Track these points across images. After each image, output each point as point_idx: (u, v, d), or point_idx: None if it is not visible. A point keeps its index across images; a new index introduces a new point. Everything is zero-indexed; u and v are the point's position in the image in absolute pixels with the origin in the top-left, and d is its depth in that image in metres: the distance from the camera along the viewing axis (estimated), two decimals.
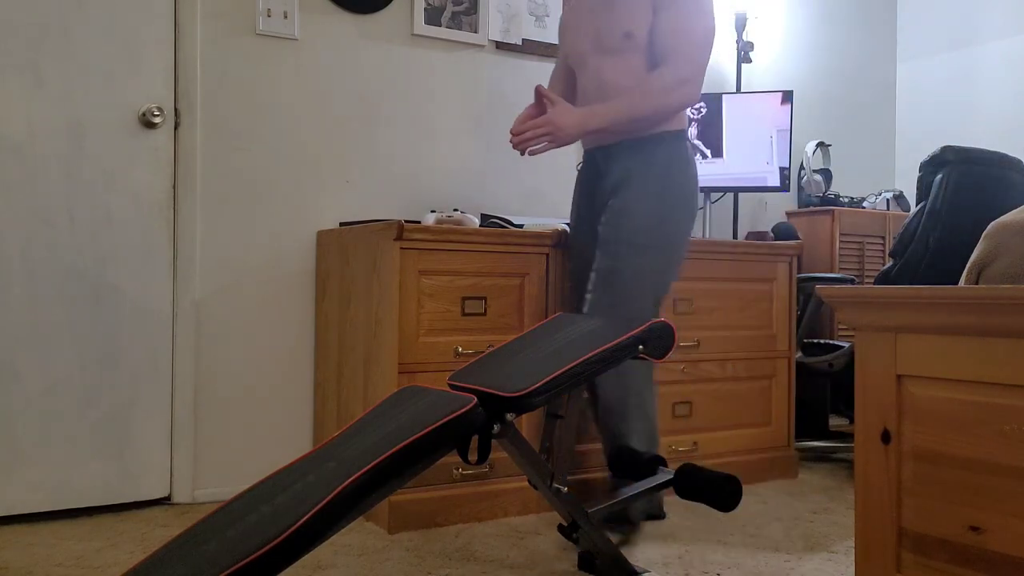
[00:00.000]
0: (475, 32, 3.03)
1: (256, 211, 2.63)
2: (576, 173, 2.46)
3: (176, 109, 2.52)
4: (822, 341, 3.36)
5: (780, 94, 3.17)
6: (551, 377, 1.68)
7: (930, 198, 2.59)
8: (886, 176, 4.20)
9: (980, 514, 1.25)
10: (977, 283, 1.49)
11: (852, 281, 3.24)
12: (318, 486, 1.30)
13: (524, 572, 1.96)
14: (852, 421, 3.08)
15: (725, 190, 3.24)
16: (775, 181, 3.17)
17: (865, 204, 3.81)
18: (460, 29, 3.00)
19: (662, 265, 2.20)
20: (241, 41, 2.62)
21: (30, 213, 2.35)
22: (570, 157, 3.29)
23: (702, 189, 3.22)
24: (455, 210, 2.60)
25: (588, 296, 2.18)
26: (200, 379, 2.56)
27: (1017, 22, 3.80)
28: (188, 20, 2.53)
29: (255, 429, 2.64)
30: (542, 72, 3.20)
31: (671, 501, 2.56)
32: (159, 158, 2.50)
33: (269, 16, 2.65)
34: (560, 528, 1.83)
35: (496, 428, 1.68)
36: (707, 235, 3.27)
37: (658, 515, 2.36)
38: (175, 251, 2.53)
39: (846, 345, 3.12)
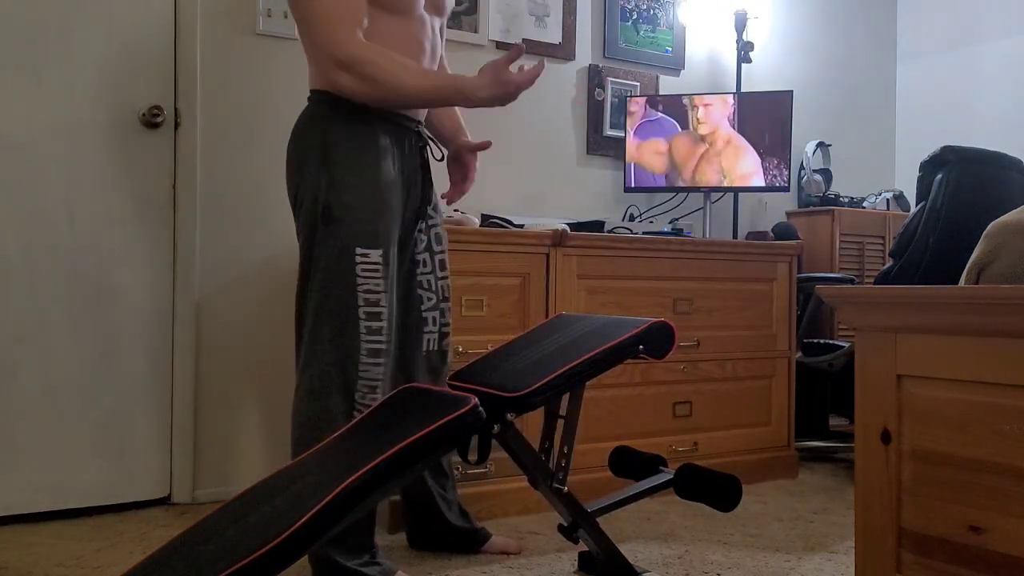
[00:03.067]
0: (475, 32, 3.03)
1: (256, 211, 2.63)
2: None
3: (176, 109, 2.52)
4: (822, 341, 3.36)
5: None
6: (551, 377, 1.68)
7: (930, 198, 2.59)
8: (886, 176, 4.20)
9: (980, 514, 1.25)
10: (977, 283, 1.49)
11: (852, 281, 3.24)
12: (318, 487, 1.30)
13: (524, 572, 1.96)
14: (852, 421, 3.08)
15: (725, 190, 3.24)
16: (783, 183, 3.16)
17: (865, 204, 3.81)
18: (460, 29, 3.00)
19: None
20: (241, 41, 2.62)
21: (30, 213, 2.35)
22: (571, 158, 3.29)
23: (702, 189, 3.22)
24: (455, 210, 2.61)
25: (447, 305, 2.03)
26: (200, 379, 2.56)
27: (1017, 22, 3.80)
28: (188, 20, 2.53)
29: (255, 429, 2.64)
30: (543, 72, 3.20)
31: (671, 501, 2.56)
32: (159, 158, 2.50)
33: (269, 16, 2.65)
34: (560, 528, 1.83)
35: (496, 428, 1.68)
36: (707, 235, 3.27)
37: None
38: (175, 251, 2.53)
39: (846, 345, 3.12)
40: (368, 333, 1.77)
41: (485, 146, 2.01)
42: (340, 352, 1.76)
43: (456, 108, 2.06)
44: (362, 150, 1.80)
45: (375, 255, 1.78)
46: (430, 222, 2.02)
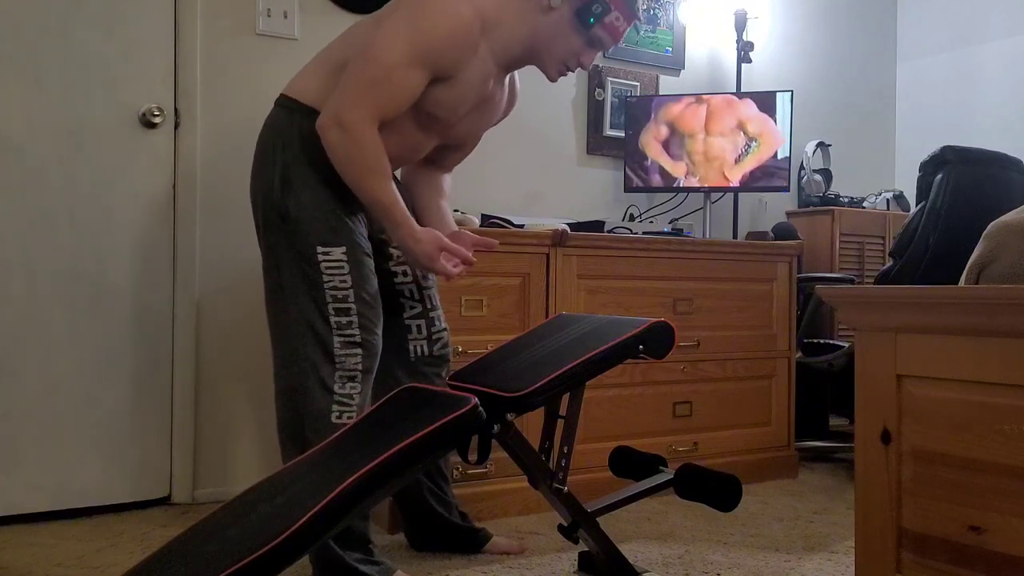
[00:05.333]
0: None
1: None
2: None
3: (176, 109, 2.52)
4: (822, 341, 3.36)
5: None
6: (551, 377, 1.68)
7: (930, 198, 2.59)
8: (886, 176, 4.20)
9: (980, 514, 1.25)
10: (977, 283, 1.49)
11: (852, 281, 3.24)
12: (318, 487, 1.30)
13: (524, 572, 1.96)
14: (852, 421, 3.08)
15: (725, 190, 3.24)
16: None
17: (865, 204, 3.81)
18: None
19: None
20: (241, 41, 2.62)
21: (30, 213, 2.35)
22: (571, 158, 3.29)
23: (702, 189, 3.22)
24: (455, 210, 2.60)
25: (436, 314, 2.05)
26: (200, 379, 2.56)
27: (1017, 22, 3.80)
28: (188, 20, 2.53)
29: (255, 429, 2.64)
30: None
31: (671, 501, 2.56)
32: (159, 158, 2.50)
33: (269, 16, 2.65)
34: (560, 528, 1.83)
35: (496, 428, 1.68)
36: (707, 235, 3.27)
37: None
38: (175, 251, 2.53)
39: (846, 345, 3.12)
40: (339, 328, 1.79)
41: (487, 244, 1.95)
42: (314, 348, 1.78)
43: (447, 215, 2.08)
44: (317, 153, 1.79)
45: (337, 252, 1.80)
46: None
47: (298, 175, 1.80)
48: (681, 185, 3.21)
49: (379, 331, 1.86)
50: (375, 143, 1.75)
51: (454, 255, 1.83)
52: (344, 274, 1.80)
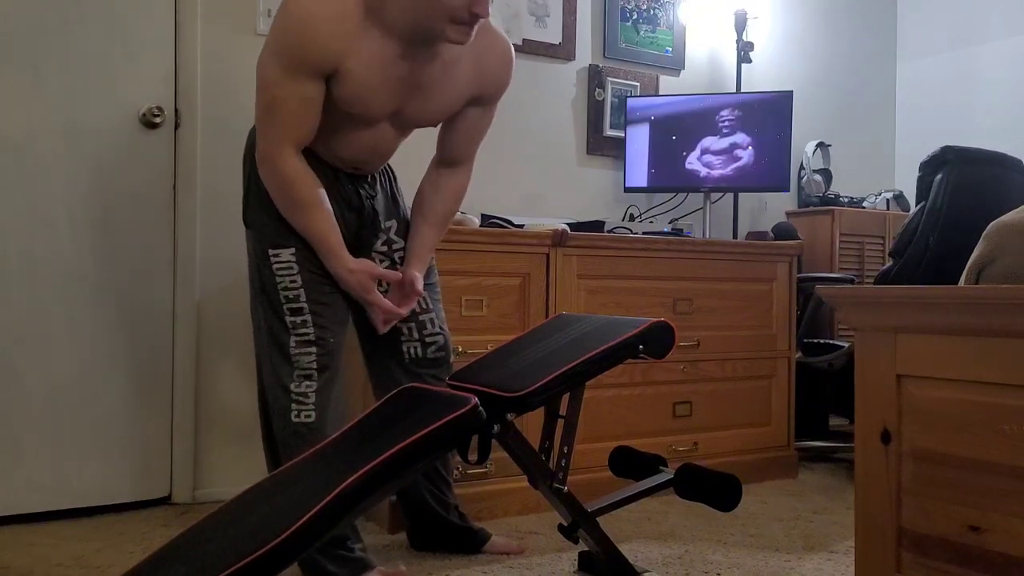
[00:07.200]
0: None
1: None
2: None
3: (176, 109, 2.52)
4: (822, 341, 3.36)
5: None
6: (551, 377, 1.68)
7: (930, 198, 2.59)
8: (886, 176, 4.20)
9: (980, 514, 1.25)
10: (977, 283, 1.49)
11: (852, 281, 3.24)
12: (318, 487, 1.30)
13: (524, 572, 1.96)
14: (852, 421, 3.08)
15: (725, 190, 3.24)
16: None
17: (865, 204, 3.81)
18: None
19: None
20: (241, 41, 2.62)
21: (30, 213, 2.35)
22: (571, 158, 3.29)
23: (702, 188, 3.22)
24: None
25: (428, 317, 2.01)
26: (200, 379, 2.56)
27: (1017, 22, 3.80)
28: (188, 20, 2.53)
29: (255, 429, 2.63)
30: (542, 72, 3.20)
31: (671, 501, 2.56)
32: (159, 158, 2.50)
33: (269, 16, 2.65)
34: (560, 528, 1.83)
35: (496, 428, 1.68)
36: (707, 235, 3.27)
37: None
38: (175, 251, 2.53)
39: (846, 345, 3.12)
40: (294, 327, 1.83)
41: (404, 293, 1.92)
42: (274, 349, 1.84)
43: (430, 242, 2.01)
44: None
45: (286, 254, 1.84)
46: (394, 246, 2.00)
47: (256, 184, 1.86)
48: (689, 182, 3.20)
49: (337, 328, 1.89)
50: (296, 175, 1.78)
51: (384, 278, 1.89)
52: (294, 274, 1.84)
